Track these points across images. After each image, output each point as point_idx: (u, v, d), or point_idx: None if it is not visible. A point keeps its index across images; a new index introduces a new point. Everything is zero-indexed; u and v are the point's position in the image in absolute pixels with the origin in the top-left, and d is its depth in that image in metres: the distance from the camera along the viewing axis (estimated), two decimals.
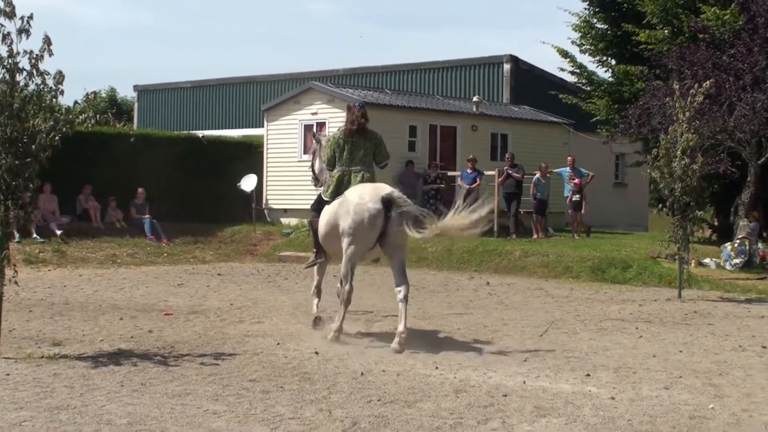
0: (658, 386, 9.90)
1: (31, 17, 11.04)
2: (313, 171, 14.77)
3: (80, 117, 11.42)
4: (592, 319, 15.42)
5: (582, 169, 30.11)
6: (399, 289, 12.32)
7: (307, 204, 30.36)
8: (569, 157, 30.65)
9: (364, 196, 12.36)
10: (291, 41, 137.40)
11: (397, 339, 12.04)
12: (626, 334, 13.73)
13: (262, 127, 33.96)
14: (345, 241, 12.41)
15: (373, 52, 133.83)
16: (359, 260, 12.82)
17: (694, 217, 18.54)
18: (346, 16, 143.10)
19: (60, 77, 11.19)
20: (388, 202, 12.17)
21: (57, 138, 11.05)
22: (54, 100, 11.22)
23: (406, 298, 12.27)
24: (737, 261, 22.98)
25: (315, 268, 14.16)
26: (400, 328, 12.08)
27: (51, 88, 11.15)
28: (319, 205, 13.49)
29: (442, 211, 12.71)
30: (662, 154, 18.17)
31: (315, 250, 13.97)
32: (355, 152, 13.01)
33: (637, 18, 29.71)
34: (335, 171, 13.14)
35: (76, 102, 11.95)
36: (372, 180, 13.06)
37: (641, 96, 26.34)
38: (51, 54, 11.18)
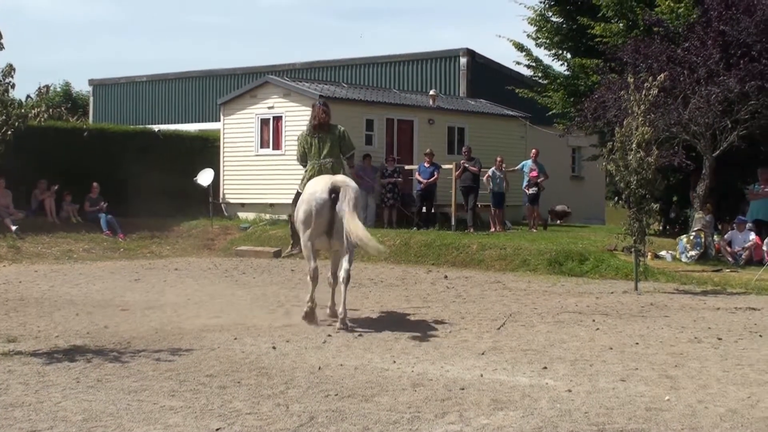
0: (614, 378, 9.94)
1: None
2: None
3: (33, 111, 11.33)
4: (549, 311, 15.47)
5: (542, 165, 30.18)
6: (340, 271, 13.46)
7: (263, 198, 30.71)
8: (533, 150, 30.72)
9: (316, 187, 13.54)
10: (247, 35, 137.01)
11: (338, 324, 13.27)
12: (583, 327, 13.78)
13: (219, 121, 33.87)
14: (300, 228, 13.77)
15: (330, 46, 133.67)
16: (316, 243, 13.71)
17: (649, 210, 18.61)
18: (304, 9, 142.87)
19: (9, 69, 11.08)
20: (333, 192, 13.26)
21: (9, 132, 10.95)
22: (5, 94, 11.11)
23: (345, 280, 13.38)
24: (693, 253, 23.15)
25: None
26: (340, 310, 13.34)
27: (0, 81, 11.04)
28: (297, 199, 14.30)
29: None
30: (617, 147, 18.23)
31: (292, 242, 15.17)
32: (323, 146, 14.09)
33: (592, 11, 29.84)
34: (308, 165, 14.20)
35: (28, 96, 11.85)
36: (339, 171, 14.08)
37: (596, 89, 26.45)
38: (1, 48, 11.08)
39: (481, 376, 9.98)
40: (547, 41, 32.04)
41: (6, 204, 27.24)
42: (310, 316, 13.69)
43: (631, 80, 18.81)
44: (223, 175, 32.58)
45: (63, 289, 18.32)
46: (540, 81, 33.11)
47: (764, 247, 22.90)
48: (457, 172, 28.86)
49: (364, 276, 21.00)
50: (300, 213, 13.73)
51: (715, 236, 24.14)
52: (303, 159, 14.41)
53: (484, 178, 29.16)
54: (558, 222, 35.37)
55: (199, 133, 36.58)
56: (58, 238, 26.79)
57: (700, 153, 24.34)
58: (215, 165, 32.06)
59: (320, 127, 14.16)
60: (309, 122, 14.46)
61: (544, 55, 33.34)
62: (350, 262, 13.51)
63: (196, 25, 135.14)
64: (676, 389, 9.45)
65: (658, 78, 18.60)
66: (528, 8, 32.26)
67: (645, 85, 18.47)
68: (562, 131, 30.74)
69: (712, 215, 24.91)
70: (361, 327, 13.53)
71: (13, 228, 26.26)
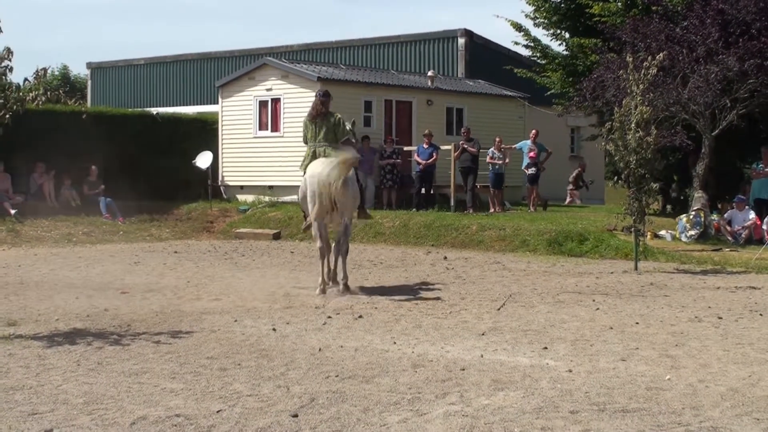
0: (614, 358, 9.94)
1: None
2: None
3: (30, 95, 11.29)
4: (549, 292, 15.47)
5: (542, 144, 30.19)
6: (337, 244, 15.49)
7: (262, 181, 30.69)
8: (533, 131, 30.68)
9: (318, 168, 14.91)
10: (245, 16, 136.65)
11: (340, 287, 15.22)
12: (583, 307, 13.78)
13: (217, 103, 33.80)
14: (309, 206, 15.15)
15: (328, 28, 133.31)
16: (323, 220, 15.25)
17: (649, 189, 18.60)
18: None
19: (7, 53, 11.04)
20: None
21: (7, 116, 10.92)
22: (3, 77, 11.07)
23: (342, 253, 15.45)
24: (692, 233, 23.13)
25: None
26: (340, 276, 15.40)
27: None
28: None
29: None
30: (616, 126, 18.22)
31: (305, 214, 16.17)
32: (319, 132, 15.70)
33: None
34: (307, 148, 15.79)
35: (26, 79, 11.81)
36: (332, 154, 15.30)
37: (595, 69, 26.38)
38: (0, 31, 11.04)
39: (482, 356, 9.98)
40: (546, 21, 31.91)
41: (5, 188, 27.21)
42: (323, 292, 15.01)
43: (630, 59, 18.76)
44: (222, 158, 32.54)
45: (63, 272, 18.31)
46: (538, 61, 33.05)
47: (764, 226, 22.89)
48: (456, 153, 28.81)
49: (364, 257, 21.00)
50: (306, 192, 15.17)
51: (714, 215, 24.12)
52: (305, 141, 16.04)
53: (488, 159, 29.10)
54: (586, 183, 35.42)
55: (198, 116, 36.48)
56: (57, 221, 26.78)
57: (700, 132, 24.31)
58: (214, 147, 31.98)
59: (317, 116, 15.74)
60: (309, 110, 15.99)
61: (542, 34, 33.30)
62: (347, 235, 15.56)
63: (194, 8, 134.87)
64: (677, 368, 9.45)
65: (657, 57, 18.56)
66: None
67: (644, 64, 18.42)
68: (560, 111, 30.69)
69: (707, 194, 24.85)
70: (361, 308, 13.54)
71: (12, 212, 26.24)
